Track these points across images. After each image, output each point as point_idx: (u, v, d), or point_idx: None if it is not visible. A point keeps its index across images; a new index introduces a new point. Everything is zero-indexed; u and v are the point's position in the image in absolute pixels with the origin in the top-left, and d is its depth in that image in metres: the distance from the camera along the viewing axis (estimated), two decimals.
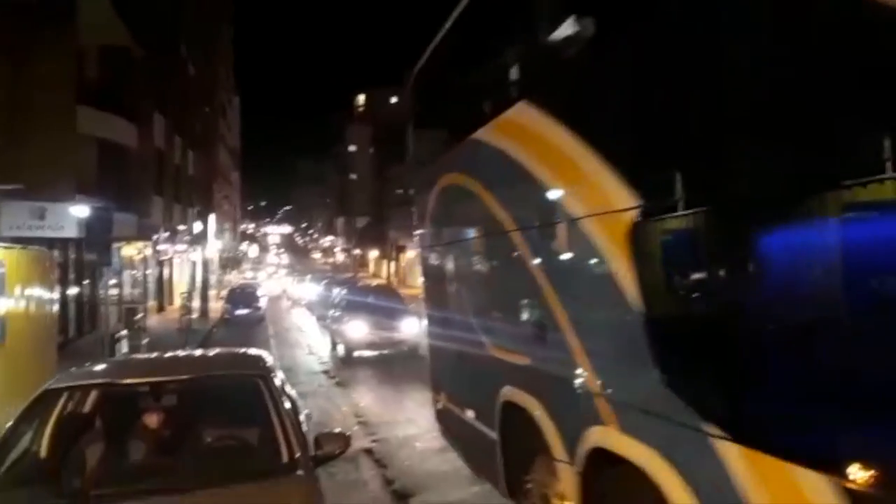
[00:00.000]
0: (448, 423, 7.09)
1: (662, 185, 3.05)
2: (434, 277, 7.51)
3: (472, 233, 6.17)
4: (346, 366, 16.26)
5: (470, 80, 6.22)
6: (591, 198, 3.68)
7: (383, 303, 18.00)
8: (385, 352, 16.49)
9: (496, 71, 5.47)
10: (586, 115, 3.87)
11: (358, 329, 16.73)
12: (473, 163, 5.72)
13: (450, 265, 6.86)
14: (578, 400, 3.78)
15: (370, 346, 16.65)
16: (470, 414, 6.06)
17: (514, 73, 5.10)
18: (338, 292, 21.30)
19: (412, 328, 16.22)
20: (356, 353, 16.75)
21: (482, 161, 5.44)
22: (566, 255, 4.12)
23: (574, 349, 3.85)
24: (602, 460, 3.58)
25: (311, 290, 36.64)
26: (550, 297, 4.21)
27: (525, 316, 4.74)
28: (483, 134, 5.37)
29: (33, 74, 14.82)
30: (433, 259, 7.53)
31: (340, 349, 17.39)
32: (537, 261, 4.48)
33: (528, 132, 4.50)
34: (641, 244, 3.24)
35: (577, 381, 3.79)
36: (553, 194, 4.19)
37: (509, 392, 4.97)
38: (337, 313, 18.63)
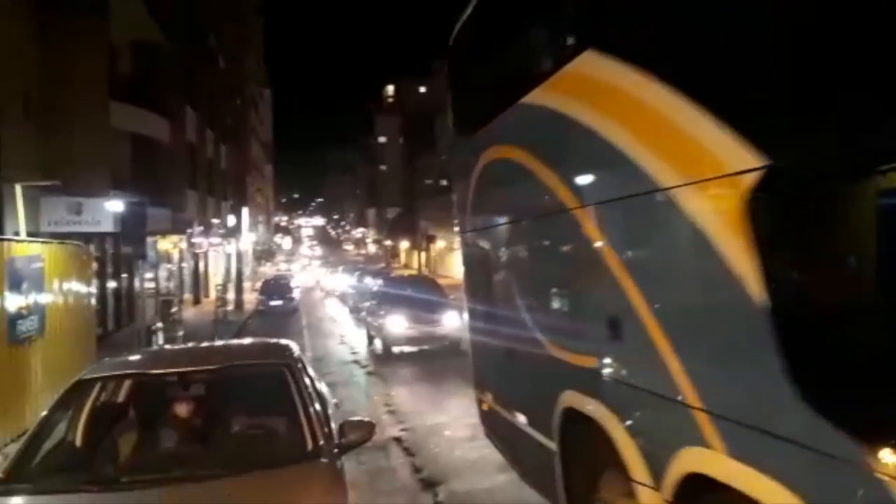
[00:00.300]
0: (494, 425, 6.35)
1: (804, 134, 2.36)
2: (478, 266, 6.72)
3: (524, 213, 5.27)
4: (382, 361, 15.48)
5: (520, 33, 5.30)
6: (692, 159, 2.93)
7: (422, 295, 16.82)
8: (425, 347, 15.48)
9: (553, 16, 4.61)
10: (685, 49, 3.02)
11: (397, 323, 15.63)
12: (525, 131, 4.92)
13: (497, 252, 6.11)
14: (668, 413, 3.13)
15: (409, 341, 15.59)
16: (521, 419, 5.39)
17: (575, 15, 4.18)
18: (373, 283, 20.45)
19: (454, 322, 15.25)
20: (395, 349, 15.74)
21: (537, 128, 4.67)
22: (655, 235, 3.41)
23: (663, 351, 3.17)
24: (701, 489, 2.90)
25: (343, 281, 36.45)
26: (628, 286, 3.49)
27: (593, 310, 4.01)
28: (537, 96, 4.56)
29: (67, 71, 15.13)
30: (477, 245, 6.68)
31: (378, 344, 16.50)
32: (612, 243, 3.73)
33: (596, 86, 3.75)
34: (769, 216, 2.52)
35: (667, 391, 3.10)
36: (635, 160, 3.36)
37: (572, 397, 4.28)
38: (373, 306, 17.67)
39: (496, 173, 5.66)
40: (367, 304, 18.69)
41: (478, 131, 6.02)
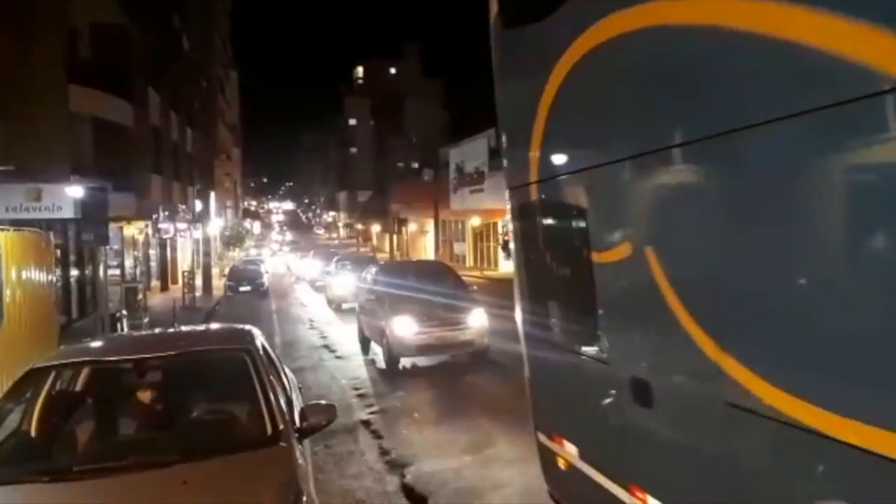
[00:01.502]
0: (575, 491, 4.14)
1: None
2: (555, 240, 4.37)
3: (663, 141, 2.94)
4: (388, 379, 11.40)
5: None
6: None
7: (437, 287, 12.60)
8: (445, 357, 12.20)
9: None
10: None
11: (406, 326, 11.54)
12: None
13: (611, 211, 3.57)
14: None
15: (425, 349, 11.71)
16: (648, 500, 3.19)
17: None
18: (368, 273, 14.96)
19: (480, 322, 11.83)
20: (405, 362, 12.04)
21: None
22: None
23: None
24: None
25: (314, 267, 34.00)
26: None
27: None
28: None
29: (24, 53, 14.69)
30: (552, 204, 4.23)
31: (380, 355, 12.49)
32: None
33: None
34: None
35: None
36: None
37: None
38: (370, 302, 13.45)
39: (606, 68, 3.33)
40: (362, 299, 14.67)
41: (560, 6, 3.70)
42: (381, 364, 12.27)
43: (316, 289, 31.05)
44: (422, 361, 12.16)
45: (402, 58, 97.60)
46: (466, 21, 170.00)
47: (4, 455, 3.96)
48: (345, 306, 19.60)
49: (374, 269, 15.07)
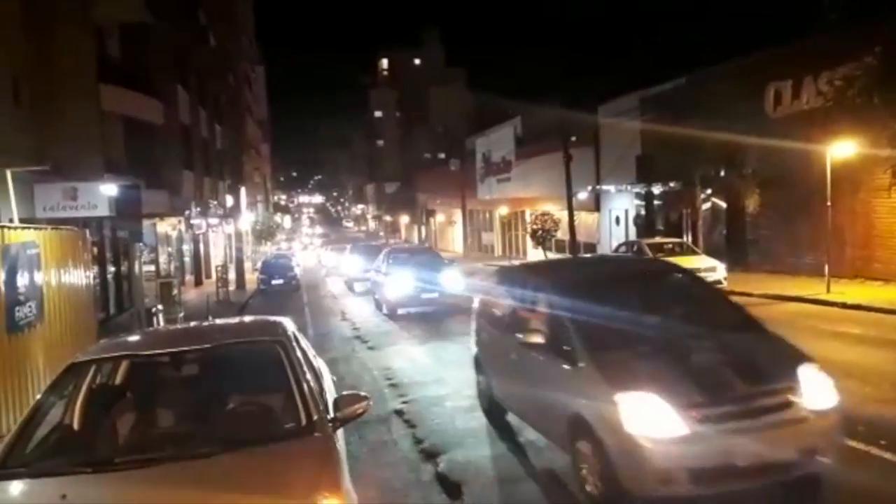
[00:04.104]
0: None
1: None
2: None
3: None
4: None
5: None
6: None
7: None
8: None
9: None
10: None
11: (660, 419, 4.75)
12: None
13: None
14: None
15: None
16: None
17: None
18: (499, 283, 8.21)
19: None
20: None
21: None
22: None
23: None
24: None
25: (351, 264, 28.76)
26: None
27: None
28: None
29: (54, 54, 14.97)
30: None
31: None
32: None
33: None
34: None
35: None
36: None
37: None
38: (527, 338, 6.18)
39: None
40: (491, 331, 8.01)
41: None
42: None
43: (354, 290, 27.17)
44: None
45: (423, 46, 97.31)
46: (486, 4, 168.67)
47: (49, 447, 4.06)
48: (401, 311, 17.96)
49: (508, 277, 8.19)
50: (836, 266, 16.76)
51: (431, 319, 16.78)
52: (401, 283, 17.79)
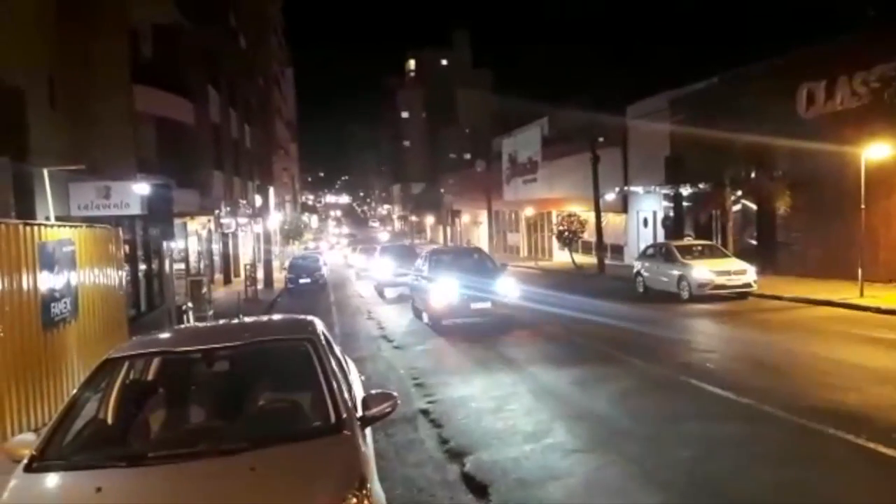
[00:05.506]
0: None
1: None
2: None
3: None
4: None
5: None
6: None
7: None
8: None
9: None
10: None
11: None
12: None
13: None
14: None
15: None
16: None
17: None
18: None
19: None
20: None
21: None
22: None
23: None
24: None
25: (382, 267, 25.98)
26: None
27: None
28: None
29: (88, 56, 15.27)
30: None
31: None
32: None
33: None
34: None
35: None
36: None
37: None
38: None
39: None
40: None
41: None
42: None
43: (385, 297, 24.30)
44: None
45: (453, 48, 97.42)
46: (515, 5, 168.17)
47: (84, 441, 4.14)
48: (445, 322, 15.58)
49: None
50: (870, 270, 16.41)
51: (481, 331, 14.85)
52: (448, 289, 15.48)
